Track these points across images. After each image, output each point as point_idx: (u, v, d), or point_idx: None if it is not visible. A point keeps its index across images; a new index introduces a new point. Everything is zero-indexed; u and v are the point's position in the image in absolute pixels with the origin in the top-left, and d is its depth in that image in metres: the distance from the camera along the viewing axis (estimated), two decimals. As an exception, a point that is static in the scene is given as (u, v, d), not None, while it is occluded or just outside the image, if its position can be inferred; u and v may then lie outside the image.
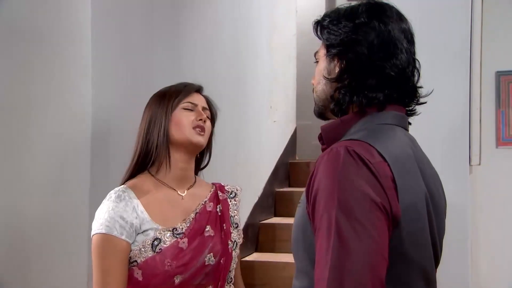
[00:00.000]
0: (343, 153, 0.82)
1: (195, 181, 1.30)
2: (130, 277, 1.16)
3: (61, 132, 1.59)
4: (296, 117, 3.88)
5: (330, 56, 0.95)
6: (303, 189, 3.31)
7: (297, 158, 3.86)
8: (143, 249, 1.15)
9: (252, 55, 3.01)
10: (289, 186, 3.54)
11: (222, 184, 1.35)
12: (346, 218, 0.78)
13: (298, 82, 3.87)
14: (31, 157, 1.50)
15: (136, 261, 1.15)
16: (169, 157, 1.23)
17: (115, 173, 1.70)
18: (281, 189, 3.36)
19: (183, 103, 1.25)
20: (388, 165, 0.84)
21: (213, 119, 1.32)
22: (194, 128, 1.23)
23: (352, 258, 0.77)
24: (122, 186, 1.24)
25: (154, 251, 1.15)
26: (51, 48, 1.56)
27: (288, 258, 2.78)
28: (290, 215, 3.19)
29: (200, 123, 1.24)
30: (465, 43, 1.85)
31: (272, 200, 3.24)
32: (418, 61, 0.95)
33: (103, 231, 1.15)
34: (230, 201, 1.31)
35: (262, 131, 3.14)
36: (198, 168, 1.35)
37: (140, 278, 1.15)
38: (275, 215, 3.25)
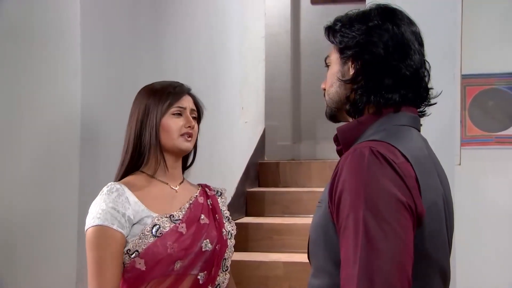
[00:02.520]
0: (368, 153, 0.83)
1: (183, 180, 1.34)
2: (132, 269, 1.17)
3: (50, 130, 1.60)
4: (264, 118, 3.94)
5: (345, 58, 0.96)
6: (273, 189, 3.36)
7: (265, 158, 3.93)
8: (143, 237, 1.17)
9: (225, 57, 3.06)
10: (259, 186, 3.59)
11: (207, 184, 1.39)
12: (373, 217, 0.79)
13: (266, 83, 3.93)
14: (20, 155, 1.50)
15: (137, 250, 1.16)
16: (164, 160, 1.27)
17: (104, 171, 1.72)
18: (252, 189, 3.41)
19: (173, 108, 1.27)
20: (411, 165, 0.85)
21: (199, 118, 1.35)
22: (182, 135, 1.26)
23: (381, 257, 0.78)
24: (115, 182, 1.26)
25: (155, 236, 1.17)
26: (41, 49, 1.56)
27: (262, 257, 2.83)
28: (261, 214, 3.25)
29: (189, 130, 1.27)
30: (452, 46, 1.94)
31: (243, 200, 3.28)
32: (428, 63, 0.98)
33: (94, 224, 1.16)
34: (218, 198, 1.35)
35: (235, 132, 3.18)
36: (184, 167, 1.37)
37: (143, 268, 1.16)
38: (246, 215, 3.29)
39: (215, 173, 2.75)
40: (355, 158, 0.84)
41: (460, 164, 1.96)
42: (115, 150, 1.76)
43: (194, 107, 1.31)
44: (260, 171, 3.64)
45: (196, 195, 1.31)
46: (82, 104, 1.65)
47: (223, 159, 2.95)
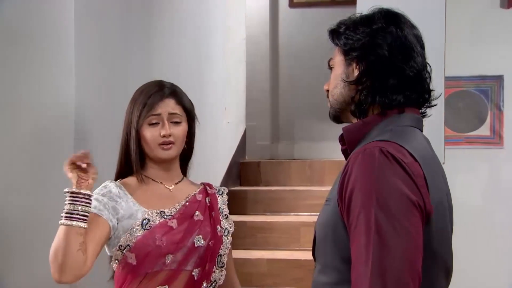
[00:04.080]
0: (378, 153, 0.85)
1: (182, 179, 1.36)
2: (125, 265, 1.22)
3: (44, 130, 1.62)
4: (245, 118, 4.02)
5: (349, 60, 0.98)
6: (255, 188, 3.43)
7: (246, 158, 4.01)
8: (133, 231, 1.21)
9: (210, 59, 3.12)
10: (240, 185, 3.65)
11: (210, 183, 1.41)
12: (385, 216, 0.81)
13: (246, 84, 4.02)
14: (15, 154, 1.53)
15: (128, 245, 1.21)
16: (145, 166, 1.30)
17: (98, 172, 1.76)
18: (234, 188, 3.47)
19: (147, 117, 1.27)
20: (419, 164, 0.87)
21: (189, 115, 1.33)
22: (160, 144, 1.27)
23: (393, 255, 0.80)
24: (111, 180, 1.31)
25: (144, 229, 1.21)
26: (35, 50, 1.58)
27: (245, 254, 2.89)
28: (243, 213, 3.31)
29: (164, 139, 1.26)
30: (439, 49, 2.04)
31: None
32: (430, 65, 1.00)
33: None
34: (218, 196, 1.38)
35: (218, 132, 3.24)
36: (185, 165, 1.39)
37: (134, 262, 1.20)
38: (229, 213, 3.36)
39: (198, 172, 2.80)
40: (366, 158, 0.86)
41: (443, 163, 2.08)
42: (109, 150, 1.79)
43: (174, 110, 1.29)
44: (241, 170, 3.72)
45: (195, 193, 1.33)
46: (76, 104, 1.67)
47: (207, 159, 3.01)
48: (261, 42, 4.31)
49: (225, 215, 1.36)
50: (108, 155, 1.77)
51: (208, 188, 1.37)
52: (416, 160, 0.88)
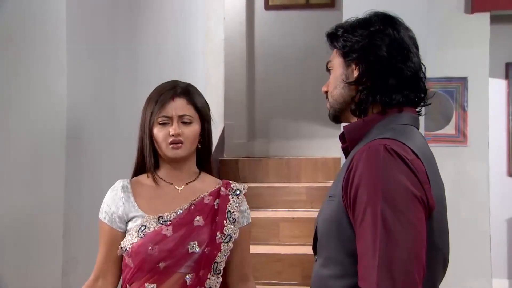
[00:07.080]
0: (382, 150, 0.88)
1: (197, 177, 1.33)
2: (125, 265, 1.28)
3: (37, 130, 1.64)
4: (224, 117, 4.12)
5: (349, 61, 1.00)
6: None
7: (225, 155, 4.10)
8: (129, 236, 1.25)
9: (191, 60, 3.19)
10: (219, 182, 3.76)
11: (230, 182, 1.35)
12: (391, 210, 0.84)
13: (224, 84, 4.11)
14: (7, 154, 1.55)
15: (126, 249, 1.25)
16: (159, 165, 1.31)
17: (89, 170, 1.80)
18: (214, 185, 3.56)
19: (158, 117, 1.28)
20: (421, 161, 0.90)
21: (200, 115, 1.31)
22: (169, 143, 1.27)
23: (399, 248, 0.83)
24: (125, 179, 1.34)
25: (139, 237, 1.23)
26: (27, 50, 1.61)
27: (226, 249, 2.99)
28: (223, 209, 3.40)
29: (173, 138, 1.26)
30: (421, 51, 2.14)
31: (207, 196, 3.43)
32: (424, 65, 1.03)
33: (99, 217, 1.32)
34: (232, 197, 1.31)
35: (198, 131, 3.33)
36: (203, 163, 1.36)
37: (132, 265, 1.24)
38: (209, 210, 3.43)
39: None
40: (371, 155, 0.89)
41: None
42: (100, 149, 1.85)
43: (184, 111, 1.28)
44: (220, 167, 3.81)
45: (205, 195, 1.29)
46: (68, 104, 1.70)
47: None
48: (237, 43, 4.41)
49: (233, 219, 1.29)
50: (100, 154, 1.83)
51: (223, 189, 1.31)
52: (418, 157, 0.91)
